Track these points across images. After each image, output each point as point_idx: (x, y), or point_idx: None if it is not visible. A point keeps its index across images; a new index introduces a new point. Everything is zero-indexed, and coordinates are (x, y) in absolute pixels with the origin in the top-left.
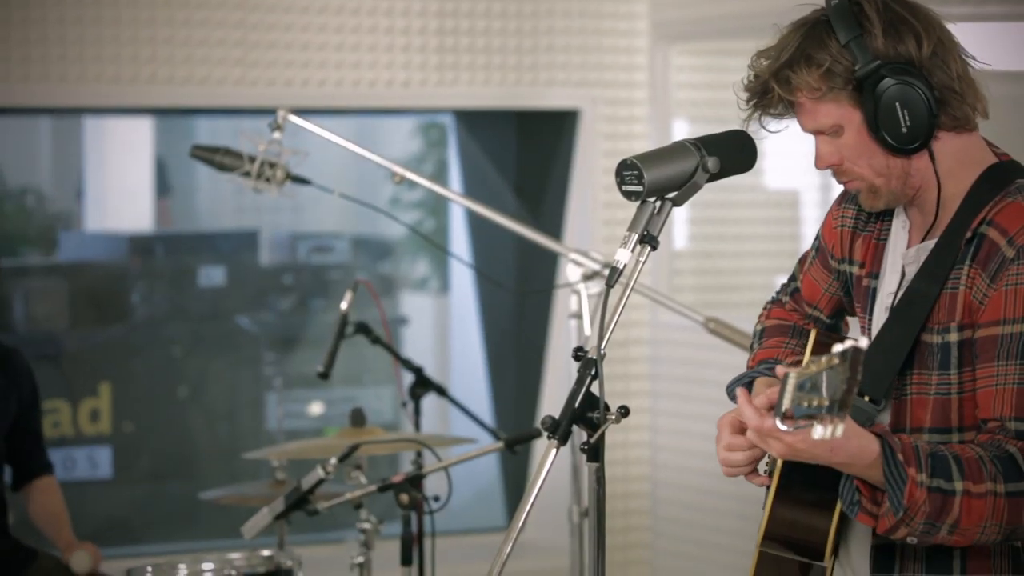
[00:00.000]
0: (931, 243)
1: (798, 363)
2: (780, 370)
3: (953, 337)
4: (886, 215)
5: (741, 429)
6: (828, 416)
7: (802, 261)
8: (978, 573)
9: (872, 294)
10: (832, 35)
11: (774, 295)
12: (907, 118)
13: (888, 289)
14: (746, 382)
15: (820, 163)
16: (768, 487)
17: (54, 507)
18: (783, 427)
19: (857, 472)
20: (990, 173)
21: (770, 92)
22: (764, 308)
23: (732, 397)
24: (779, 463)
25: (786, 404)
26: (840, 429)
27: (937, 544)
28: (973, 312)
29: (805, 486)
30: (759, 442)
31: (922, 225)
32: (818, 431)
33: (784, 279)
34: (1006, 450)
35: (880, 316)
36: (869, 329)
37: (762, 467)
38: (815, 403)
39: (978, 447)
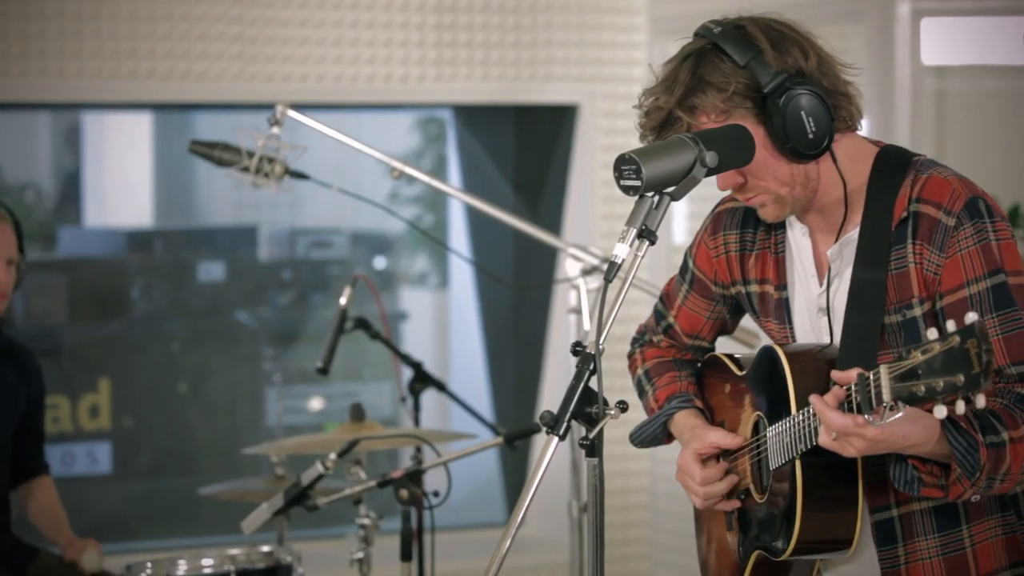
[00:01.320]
0: (853, 235)
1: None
2: (848, 376)
3: (917, 312)
4: (777, 229)
5: (704, 460)
6: (963, 390)
7: (667, 300)
8: (978, 517)
9: (786, 305)
10: (724, 59)
11: (639, 338)
12: (812, 125)
13: (813, 292)
14: (662, 421)
15: (723, 186)
16: (735, 510)
17: (52, 506)
18: (873, 421)
19: (926, 451)
20: (882, 159)
21: (675, 122)
22: (631, 357)
23: (641, 443)
24: (800, 477)
25: (887, 397)
26: (981, 399)
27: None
28: (930, 284)
29: (828, 486)
30: (832, 444)
31: (826, 226)
32: (940, 411)
33: None
34: (1018, 392)
35: (805, 320)
36: (792, 336)
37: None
38: (943, 384)
39: (994, 398)
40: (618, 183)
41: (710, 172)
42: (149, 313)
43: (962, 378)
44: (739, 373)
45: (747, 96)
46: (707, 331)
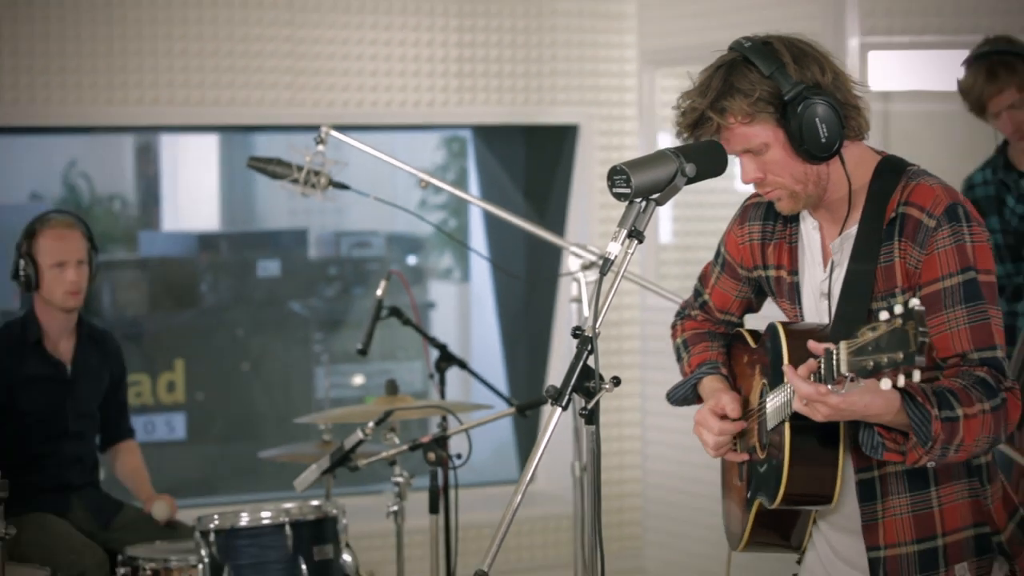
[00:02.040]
0: (852, 231)
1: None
2: (819, 348)
3: (899, 300)
4: (792, 222)
5: (721, 418)
6: (903, 368)
7: (704, 279)
8: (946, 481)
9: (796, 288)
10: (752, 69)
11: (680, 312)
12: (825, 131)
13: (817, 278)
14: (692, 384)
15: (747, 178)
16: (744, 463)
17: (135, 465)
18: (836, 390)
19: (886, 420)
20: (882, 167)
21: (706, 122)
22: (674, 327)
23: (675, 401)
24: (788, 435)
25: (844, 369)
26: (917, 375)
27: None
28: (911, 277)
29: (813, 447)
30: (804, 408)
31: (833, 221)
32: (886, 383)
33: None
34: (977, 375)
35: (811, 302)
36: (801, 316)
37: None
38: (887, 359)
39: (955, 379)
40: (611, 190)
41: (690, 181)
42: (216, 304)
43: (901, 355)
44: (753, 346)
45: (770, 103)
46: (735, 308)
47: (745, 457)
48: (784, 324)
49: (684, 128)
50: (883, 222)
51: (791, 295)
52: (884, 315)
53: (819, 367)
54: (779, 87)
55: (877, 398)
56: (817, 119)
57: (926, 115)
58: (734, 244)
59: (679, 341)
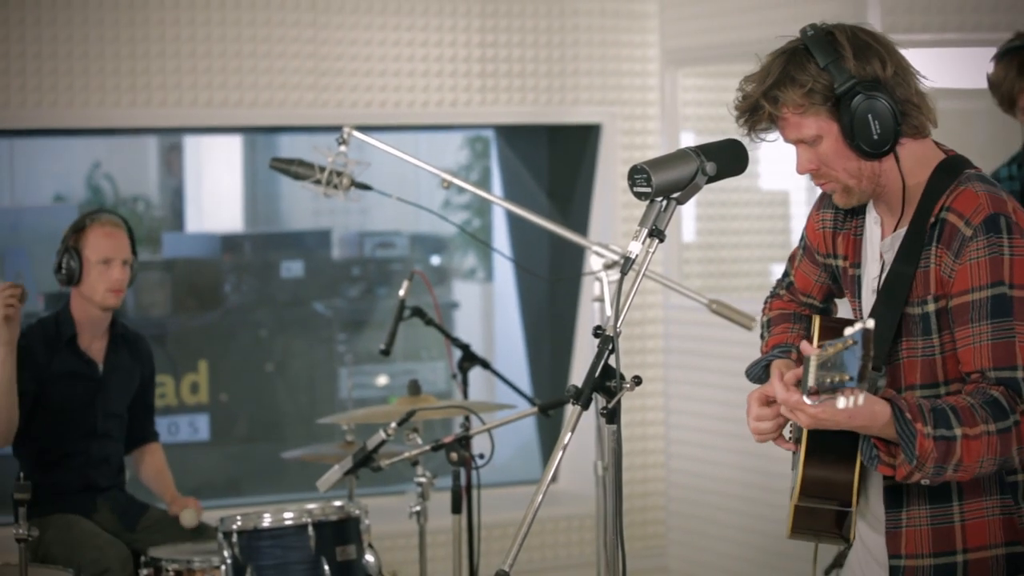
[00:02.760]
0: (902, 232)
1: (819, 346)
2: (805, 348)
3: (931, 308)
4: (859, 214)
5: (767, 402)
6: (850, 389)
7: (791, 259)
8: (973, 497)
9: (858, 281)
10: (811, 60)
11: (772, 290)
12: (877, 127)
13: (872, 275)
14: (763, 364)
15: (801, 168)
16: (795, 452)
17: (160, 468)
18: (808, 401)
19: (874, 432)
20: (942, 167)
21: (760, 109)
22: (765, 302)
23: (751, 379)
24: (804, 431)
25: (811, 382)
26: (861, 398)
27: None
28: (944, 285)
29: (829, 448)
30: (788, 414)
31: (891, 219)
32: (841, 402)
33: (776, 267)
34: (991, 395)
35: (867, 298)
36: (860, 310)
37: (787, 433)
38: (837, 379)
39: (967, 396)
40: (631, 189)
41: (711, 180)
42: (240, 305)
43: (847, 376)
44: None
45: (823, 95)
46: (816, 292)
47: (792, 447)
48: (823, 318)
49: (741, 113)
50: (928, 225)
51: (852, 287)
52: (848, 330)
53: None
54: (833, 80)
55: (863, 410)
56: (870, 115)
57: (948, 113)
58: (812, 228)
59: (764, 320)
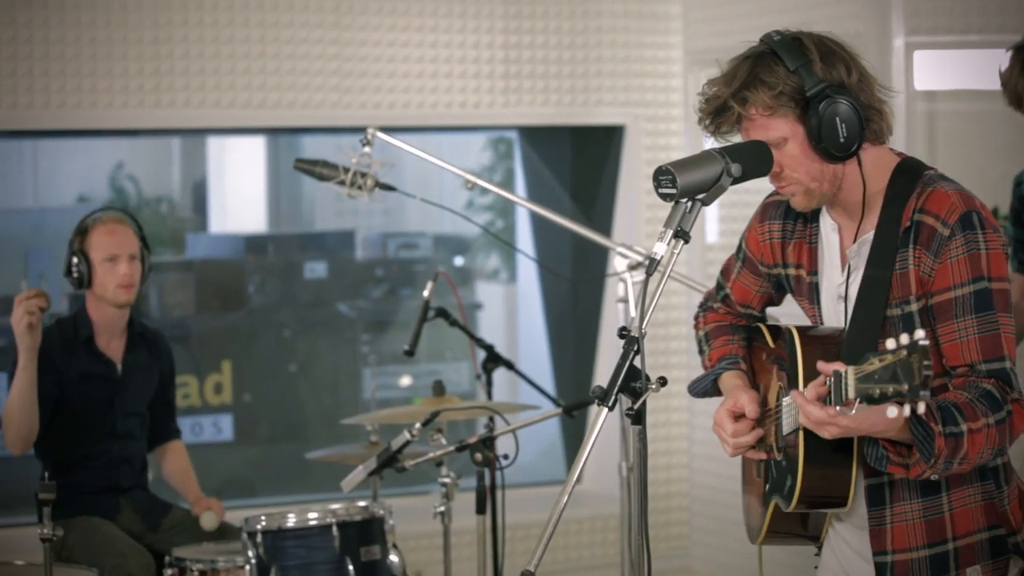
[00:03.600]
0: (869, 236)
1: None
2: (828, 368)
3: (913, 307)
4: (811, 221)
5: (737, 417)
6: (907, 397)
7: (725, 273)
8: (958, 486)
9: (815, 288)
10: (779, 63)
11: (702, 304)
12: (844, 131)
13: (835, 281)
14: (712, 378)
15: None
16: (771, 459)
17: (183, 466)
18: (845, 412)
19: (890, 436)
20: (900, 170)
21: (727, 110)
22: (696, 318)
23: (696, 394)
24: (801, 438)
25: (851, 395)
26: (921, 406)
27: None
28: (925, 284)
29: (826, 454)
30: (815, 428)
31: (850, 223)
32: (892, 411)
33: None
34: (983, 388)
35: (829, 304)
36: (820, 316)
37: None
38: (891, 389)
39: (962, 391)
40: (656, 191)
41: (735, 181)
42: (264, 305)
43: (906, 387)
44: (772, 344)
45: (792, 98)
46: (756, 302)
47: (763, 456)
48: (800, 330)
49: (705, 115)
50: (899, 228)
51: (810, 295)
52: (891, 344)
53: (828, 388)
54: (803, 83)
55: (882, 416)
56: (837, 118)
57: (971, 115)
58: (755, 241)
59: (701, 333)
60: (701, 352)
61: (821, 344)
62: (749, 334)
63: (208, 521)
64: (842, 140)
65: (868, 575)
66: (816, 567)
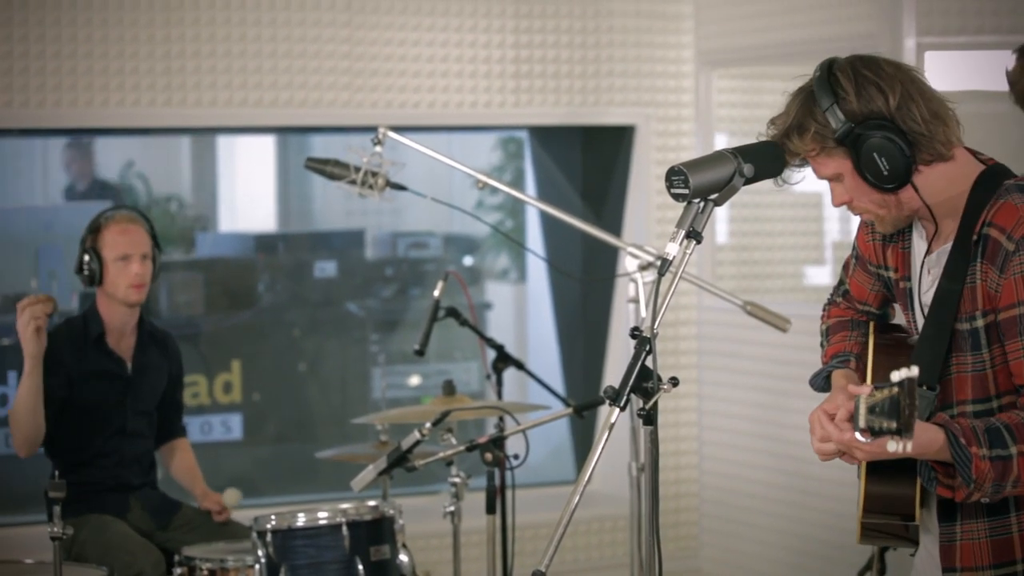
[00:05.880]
0: (947, 247)
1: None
2: (853, 390)
3: (980, 323)
4: (905, 229)
5: (831, 419)
6: (898, 436)
7: (846, 267)
8: None
9: (909, 294)
10: (816, 104)
11: (829, 297)
12: (886, 163)
13: (923, 288)
14: (824, 375)
15: (835, 203)
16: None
17: (189, 463)
18: (862, 439)
19: (931, 457)
20: (980, 180)
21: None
22: (823, 310)
23: (815, 389)
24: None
25: (861, 424)
26: (909, 446)
27: None
28: (991, 300)
29: (889, 468)
30: (845, 450)
31: (932, 234)
32: (891, 446)
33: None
34: None
35: (919, 311)
36: (914, 322)
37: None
38: (884, 425)
39: (1017, 412)
40: (669, 191)
41: (748, 181)
42: (273, 305)
43: (894, 424)
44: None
45: (830, 138)
46: (872, 300)
47: (855, 460)
48: (877, 335)
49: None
50: (971, 241)
51: (904, 299)
52: (894, 376)
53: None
54: (833, 124)
55: (920, 437)
56: (875, 153)
57: (983, 116)
58: (863, 240)
59: (823, 328)
60: (822, 346)
61: (892, 349)
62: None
63: (230, 498)
64: (886, 172)
65: None
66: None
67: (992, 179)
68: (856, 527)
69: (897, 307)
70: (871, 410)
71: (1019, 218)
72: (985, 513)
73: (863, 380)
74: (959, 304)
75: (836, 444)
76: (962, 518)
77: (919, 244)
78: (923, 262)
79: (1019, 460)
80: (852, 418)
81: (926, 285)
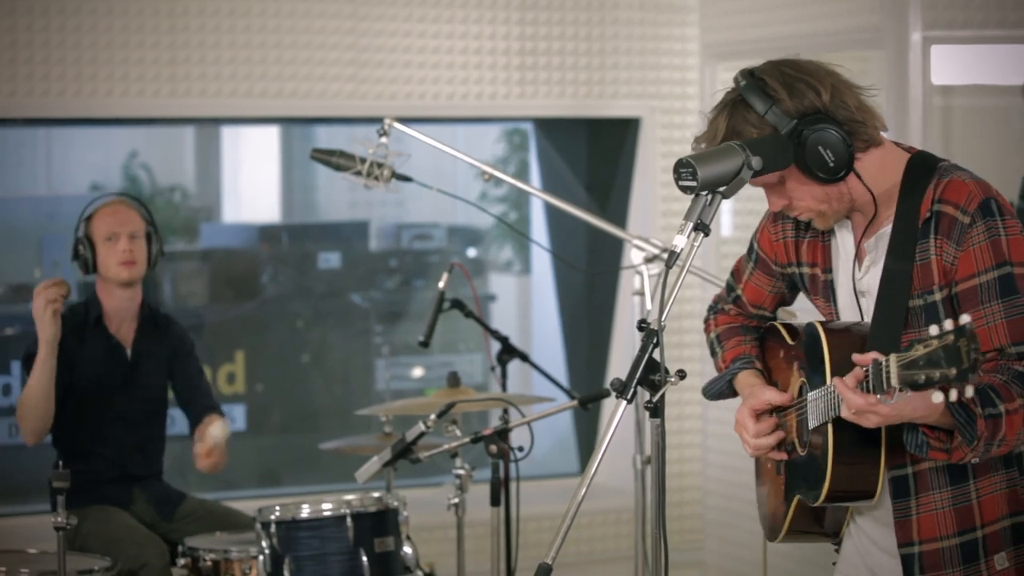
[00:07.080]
0: (886, 230)
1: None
2: (866, 359)
3: (937, 297)
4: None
5: (758, 416)
6: (955, 381)
7: (737, 274)
8: (984, 474)
9: (831, 286)
10: (750, 110)
11: (712, 307)
12: (830, 155)
13: (852, 277)
14: (727, 379)
15: (774, 208)
16: (791, 458)
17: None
18: (887, 401)
19: (931, 421)
20: (913, 164)
21: None
22: (707, 321)
23: (711, 396)
24: (831, 432)
25: (895, 382)
26: (969, 390)
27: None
28: (948, 273)
29: (855, 447)
30: (855, 417)
31: (865, 221)
32: (938, 396)
33: None
34: (1016, 370)
35: (846, 300)
36: (836, 314)
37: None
38: (938, 375)
39: (994, 374)
40: (677, 183)
41: (756, 174)
42: (277, 295)
43: (954, 371)
44: (790, 342)
45: None
46: (768, 303)
47: (784, 456)
48: (823, 324)
49: None
50: (918, 220)
51: (826, 292)
52: (934, 330)
53: (867, 377)
54: (776, 125)
55: (924, 402)
56: (819, 147)
57: (988, 110)
58: (768, 241)
59: (712, 336)
60: (714, 354)
61: (847, 337)
62: (761, 334)
63: (217, 430)
64: (831, 164)
65: (892, 569)
66: (835, 563)
67: (923, 163)
68: (785, 520)
69: (813, 304)
70: (911, 365)
71: (969, 192)
72: (947, 482)
73: (770, 383)
74: (910, 282)
75: (855, 409)
76: (918, 492)
77: (844, 236)
78: (857, 249)
79: (1007, 419)
80: (863, 384)
81: (857, 272)
